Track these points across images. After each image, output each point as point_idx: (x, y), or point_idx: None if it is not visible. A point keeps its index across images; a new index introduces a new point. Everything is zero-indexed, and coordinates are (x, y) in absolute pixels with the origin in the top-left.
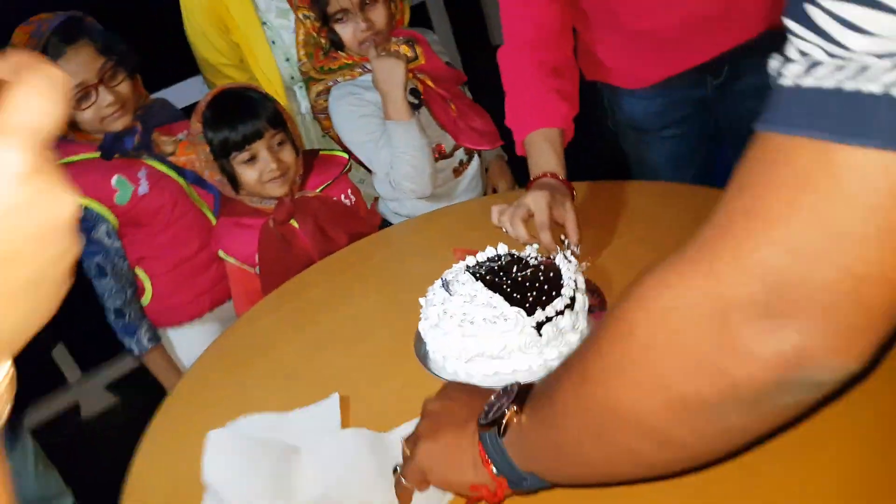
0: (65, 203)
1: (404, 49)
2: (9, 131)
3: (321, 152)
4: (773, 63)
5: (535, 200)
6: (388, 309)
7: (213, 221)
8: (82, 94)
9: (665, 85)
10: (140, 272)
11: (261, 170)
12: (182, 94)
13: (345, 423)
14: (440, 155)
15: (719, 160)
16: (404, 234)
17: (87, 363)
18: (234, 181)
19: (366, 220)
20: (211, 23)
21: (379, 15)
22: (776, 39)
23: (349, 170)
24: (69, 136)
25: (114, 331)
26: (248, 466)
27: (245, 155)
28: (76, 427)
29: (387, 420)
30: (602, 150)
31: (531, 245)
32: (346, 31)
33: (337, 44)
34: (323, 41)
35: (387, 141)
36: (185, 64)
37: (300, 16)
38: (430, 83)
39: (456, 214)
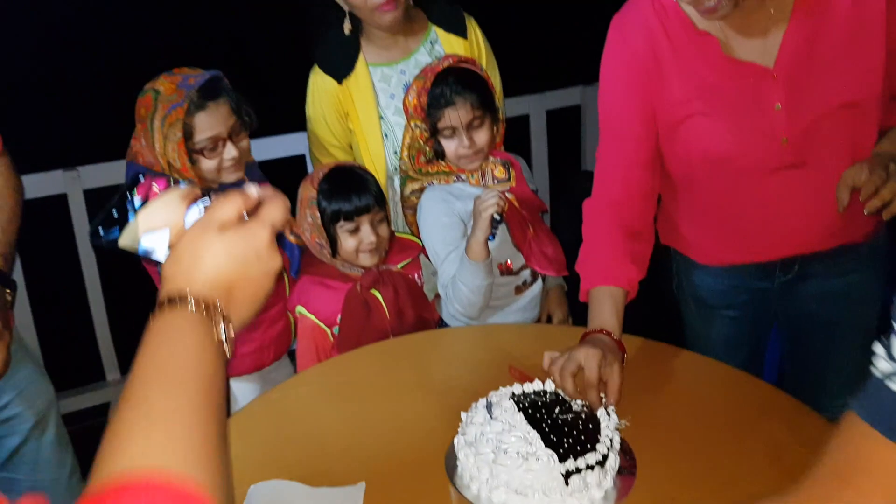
0: (277, 259)
1: (500, 170)
2: (265, 222)
3: (396, 234)
4: (882, 364)
5: (588, 358)
6: (429, 410)
7: (285, 280)
8: (212, 146)
9: (735, 269)
10: None
11: (361, 240)
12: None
13: None
14: (507, 271)
15: (770, 350)
16: (461, 340)
17: (129, 369)
18: (333, 246)
19: (431, 305)
20: (333, 108)
21: (482, 137)
22: (847, 254)
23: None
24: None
25: None
26: None
27: (351, 225)
28: (102, 425)
29: None
30: (662, 310)
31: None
32: (450, 146)
33: (439, 154)
34: (427, 149)
35: (457, 258)
36: (265, 122)
37: (412, 124)
38: (515, 203)
39: (513, 334)
